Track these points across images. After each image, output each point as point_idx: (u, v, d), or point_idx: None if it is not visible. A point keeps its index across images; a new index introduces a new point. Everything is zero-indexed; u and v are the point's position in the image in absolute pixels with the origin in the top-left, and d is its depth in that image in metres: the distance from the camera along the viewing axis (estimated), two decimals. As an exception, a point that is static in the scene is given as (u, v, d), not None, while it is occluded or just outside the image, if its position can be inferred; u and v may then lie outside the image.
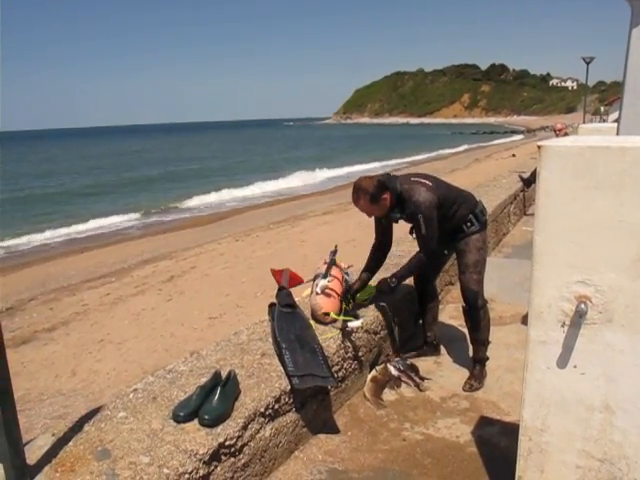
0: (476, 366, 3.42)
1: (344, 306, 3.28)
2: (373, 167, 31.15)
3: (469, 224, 3.31)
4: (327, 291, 3.21)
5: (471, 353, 3.50)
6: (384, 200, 3.13)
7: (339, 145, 61.44)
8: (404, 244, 4.73)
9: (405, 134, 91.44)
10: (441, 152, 42.97)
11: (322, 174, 29.56)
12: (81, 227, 17.35)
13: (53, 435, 2.14)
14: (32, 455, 1.98)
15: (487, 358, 3.47)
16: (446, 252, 3.53)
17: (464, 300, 3.40)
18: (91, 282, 9.90)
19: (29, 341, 6.88)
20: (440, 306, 4.07)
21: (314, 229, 13.00)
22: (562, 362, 1.76)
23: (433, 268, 3.65)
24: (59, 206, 22.34)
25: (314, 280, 3.38)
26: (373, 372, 3.32)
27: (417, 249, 3.26)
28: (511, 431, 2.49)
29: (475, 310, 3.36)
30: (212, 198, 22.64)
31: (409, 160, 36.41)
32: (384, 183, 3.12)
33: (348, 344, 3.13)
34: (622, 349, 1.67)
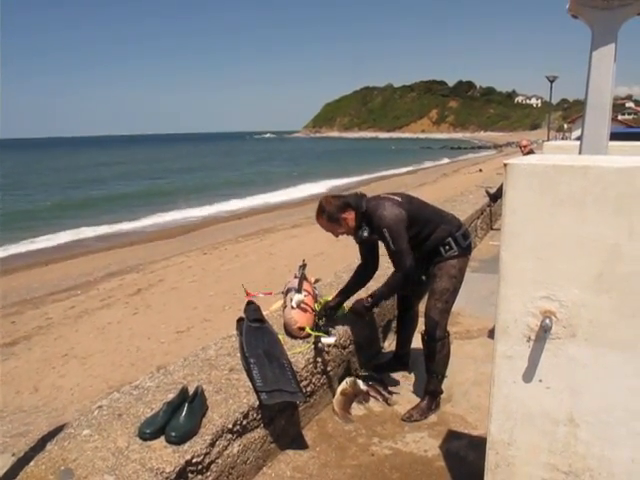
0: (425, 397, 3.23)
1: (316, 320, 3.26)
2: (347, 182, 31.37)
3: (447, 247, 3.11)
4: (302, 306, 3.20)
5: None
6: (344, 220, 3.10)
7: (312, 160, 61.26)
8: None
9: (375, 148, 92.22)
10: (419, 166, 43.51)
11: (305, 189, 29.09)
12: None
13: (13, 455, 2.08)
14: (-9, 476, 1.93)
15: (440, 392, 3.26)
16: (424, 278, 3.29)
17: (424, 327, 3.21)
18: (55, 295, 9.72)
19: (-11, 356, 6.71)
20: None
21: (283, 242, 12.99)
22: (528, 376, 1.79)
23: (415, 293, 3.57)
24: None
25: (286, 294, 3.37)
26: (343, 384, 3.30)
27: None
28: (478, 444, 2.51)
29: (432, 340, 3.16)
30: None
31: (380, 175, 36.67)
32: (347, 202, 3.09)
33: (318, 359, 3.12)
34: (585, 363, 1.70)
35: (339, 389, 3.29)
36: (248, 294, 3.49)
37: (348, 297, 3.47)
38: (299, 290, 3.27)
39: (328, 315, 3.37)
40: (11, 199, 27.97)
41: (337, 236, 3.24)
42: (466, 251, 3.21)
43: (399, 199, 3.08)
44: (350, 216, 3.10)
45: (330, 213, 3.09)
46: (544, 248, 1.68)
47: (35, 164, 64.43)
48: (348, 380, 3.33)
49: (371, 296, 3.25)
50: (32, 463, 2.02)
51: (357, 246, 3.39)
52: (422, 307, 3.32)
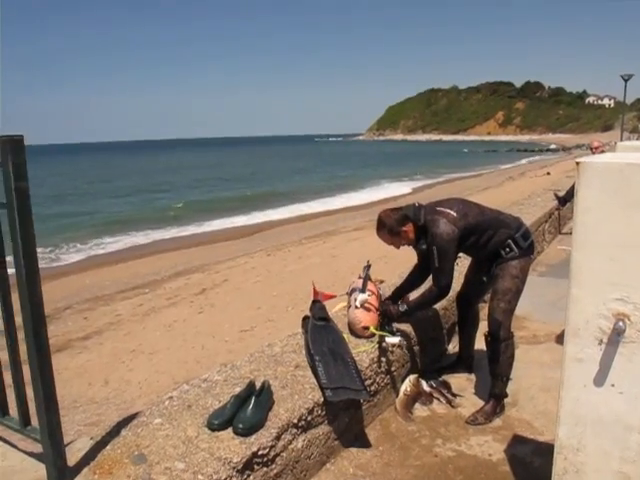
0: (490, 400, 3.20)
1: (380, 320, 3.27)
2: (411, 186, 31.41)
3: (507, 249, 3.11)
4: (366, 305, 3.22)
5: None
6: (405, 232, 3.13)
7: (377, 163, 61.08)
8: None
9: (439, 151, 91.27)
10: (483, 169, 42.85)
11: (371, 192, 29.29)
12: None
13: (91, 439, 2.19)
14: (71, 457, 2.03)
15: (505, 395, 3.23)
16: (485, 279, 3.31)
17: (488, 327, 3.21)
18: (125, 293, 10.09)
19: (64, 349, 7.04)
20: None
21: (345, 245, 13.03)
22: (599, 380, 1.74)
23: (475, 293, 3.57)
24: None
25: (350, 294, 3.40)
26: (406, 384, 3.30)
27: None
28: (545, 451, 2.47)
29: (496, 341, 3.15)
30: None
31: (445, 178, 36.38)
32: (405, 215, 3.12)
33: (382, 358, 3.13)
34: (661, 368, 1.65)
35: (402, 389, 3.29)
36: (315, 294, 3.53)
37: (401, 297, 3.49)
38: (363, 290, 3.30)
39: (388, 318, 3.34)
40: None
41: (399, 248, 3.29)
42: (527, 251, 3.18)
43: (455, 214, 3.05)
44: (410, 229, 3.13)
45: (391, 227, 3.13)
46: (618, 249, 1.64)
47: (109, 168, 66.54)
48: (411, 379, 3.32)
49: (406, 302, 3.32)
50: (108, 447, 2.12)
51: None
52: (485, 310, 3.29)
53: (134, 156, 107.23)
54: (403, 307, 3.27)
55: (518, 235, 3.13)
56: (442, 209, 3.09)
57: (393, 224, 3.13)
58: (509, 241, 3.12)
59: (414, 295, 3.41)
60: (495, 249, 3.14)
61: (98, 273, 12.64)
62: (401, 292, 3.52)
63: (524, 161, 53.86)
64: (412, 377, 3.34)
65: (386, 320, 3.28)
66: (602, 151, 8.79)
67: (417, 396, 3.31)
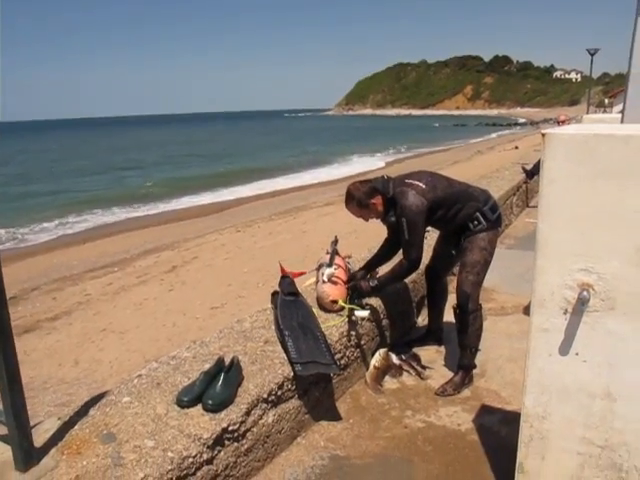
0: (459, 371, 3.23)
1: (349, 294, 3.27)
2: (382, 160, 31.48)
3: (476, 222, 3.13)
4: (334, 279, 3.22)
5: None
6: (373, 205, 3.13)
7: (347, 136, 60.96)
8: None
9: (410, 125, 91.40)
10: (452, 143, 43.08)
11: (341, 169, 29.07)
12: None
13: (59, 419, 2.16)
14: (38, 438, 2.00)
15: (474, 366, 3.27)
16: (454, 252, 3.34)
17: (456, 300, 3.23)
18: (94, 272, 9.95)
19: (32, 330, 6.93)
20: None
21: (316, 220, 13.02)
22: (564, 349, 1.77)
23: (443, 266, 3.60)
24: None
25: (318, 269, 3.40)
26: (375, 357, 3.32)
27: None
28: (512, 419, 2.52)
29: (464, 313, 3.17)
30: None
31: (415, 152, 36.56)
32: (374, 188, 3.11)
33: (351, 332, 3.15)
34: (624, 337, 1.68)
35: (372, 362, 3.31)
36: (283, 271, 3.51)
37: (371, 271, 3.50)
38: (330, 264, 3.30)
39: (356, 289, 3.34)
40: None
41: (367, 220, 3.28)
42: (495, 224, 3.20)
43: (424, 186, 3.05)
44: (378, 201, 3.12)
45: (359, 199, 3.13)
46: (583, 220, 1.65)
47: (78, 145, 65.09)
48: (381, 352, 3.35)
49: (376, 278, 3.32)
50: (77, 427, 2.09)
51: None
52: (454, 283, 3.32)
53: (104, 133, 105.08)
54: (374, 282, 3.27)
55: (486, 208, 3.15)
56: (411, 181, 3.09)
57: (362, 196, 3.12)
58: (477, 214, 3.13)
59: (385, 269, 3.42)
60: (463, 222, 3.16)
61: (66, 253, 12.44)
62: (371, 266, 3.53)
63: (494, 135, 54.30)
64: (382, 350, 3.37)
65: (355, 294, 3.29)
66: (569, 124, 8.89)
67: (387, 369, 3.34)
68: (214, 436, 2.11)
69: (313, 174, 27.17)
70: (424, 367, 3.42)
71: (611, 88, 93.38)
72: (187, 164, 35.14)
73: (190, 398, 2.25)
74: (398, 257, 3.26)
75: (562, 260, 1.71)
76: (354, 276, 3.41)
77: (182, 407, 2.23)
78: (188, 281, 8.61)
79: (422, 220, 3.02)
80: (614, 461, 1.79)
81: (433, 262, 3.63)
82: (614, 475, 1.79)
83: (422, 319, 4.11)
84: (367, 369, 3.31)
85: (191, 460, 2.00)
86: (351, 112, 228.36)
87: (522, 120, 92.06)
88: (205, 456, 2.07)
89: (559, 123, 9.02)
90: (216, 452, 2.13)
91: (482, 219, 3.13)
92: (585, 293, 1.66)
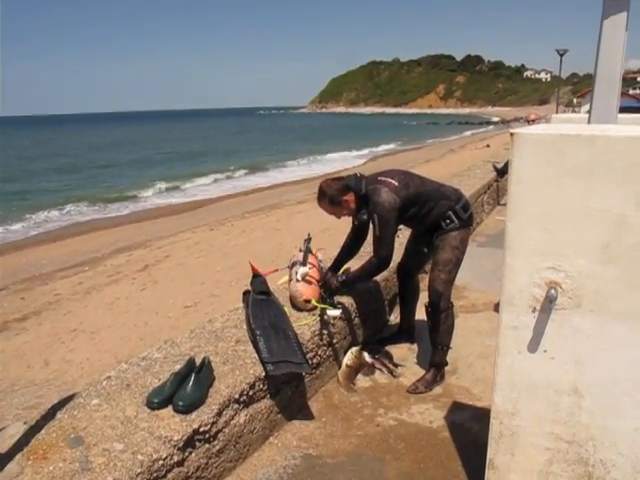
0: (430, 369, 3.26)
1: (322, 293, 3.27)
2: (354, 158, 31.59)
3: (448, 221, 3.13)
4: (307, 278, 3.22)
5: None
6: (346, 202, 3.13)
7: (322, 134, 60.98)
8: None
9: (383, 123, 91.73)
10: (425, 142, 43.36)
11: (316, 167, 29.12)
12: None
13: (25, 424, 2.12)
14: (3, 444, 1.97)
15: (445, 363, 3.28)
16: (426, 250, 3.36)
17: (428, 298, 3.24)
18: (64, 271, 9.78)
19: (0, 331, 6.78)
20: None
21: (289, 218, 12.98)
22: (533, 347, 1.79)
23: (415, 264, 3.61)
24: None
25: (291, 267, 3.39)
26: (348, 356, 3.32)
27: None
28: (483, 416, 2.54)
29: (436, 311, 3.18)
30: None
31: (386, 149, 36.76)
32: (346, 185, 3.12)
33: (324, 331, 3.14)
34: (590, 334, 1.70)
35: (344, 360, 3.31)
36: (254, 270, 3.49)
37: (339, 269, 3.49)
38: (304, 263, 3.29)
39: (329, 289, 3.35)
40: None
41: (340, 218, 3.29)
42: (467, 223, 3.22)
43: (396, 184, 3.06)
44: (351, 198, 3.13)
45: (331, 196, 3.13)
46: (550, 218, 1.67)
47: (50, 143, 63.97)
48: (354, 351, 3.34)
49: (345, 273, 3.33)
50: (43, 431, 2.06)
51: None
52: (426, 281, 3.34)
53: (74, 130, 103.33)
54: (342, 278, 3.28)
55: (458, 206, 3.17)
56: (384, 178, 3.10)
57: (334, 194, 3.12)
58: (449, 212, 3.15)
59: (355, 266, 3.43)
60: (436, 220, 3.17)
61: (35, 252, 12.20)
62: (340, 262, 3.53)
63: (467, 133, 54.80)
64: (354, 349, 3.37)
65: (328, 293, 3.29)
66: (539, 123, 9.02)
67: (359, 367, 3.34)
68: (185, 438, 2.09)
69: (287, 172, 27.14)
70: (396, 365, 3.43)
71: (580, 88, 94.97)
72: (160, 163, 34.75)
73: (160, 399, 2.22)
74: (368, 254, 3.27)
75: (530, 258, 1.73)
76: (325, 274, 3.41)
77: (152, 409, 2.20)
78: (160, 280, 8.52)
79: (394, 217, 3.02)
80: (581, 456, 1.81)
81: (405, 260, 3.65)
82: (581, 469, 1.82)
83: (394, 317, 4.13)
84: (339, 368, 3.31)
85: (161, 462, 1.98)
86: (325, 110, 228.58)
87: (496, 119, 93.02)
88: (176, 458, 2.05)
89: (529, 122, 9.17)
90: (187, 454, 2.11)
91: (454, 218, 3.14)
92: (553, 291, 1.68)
